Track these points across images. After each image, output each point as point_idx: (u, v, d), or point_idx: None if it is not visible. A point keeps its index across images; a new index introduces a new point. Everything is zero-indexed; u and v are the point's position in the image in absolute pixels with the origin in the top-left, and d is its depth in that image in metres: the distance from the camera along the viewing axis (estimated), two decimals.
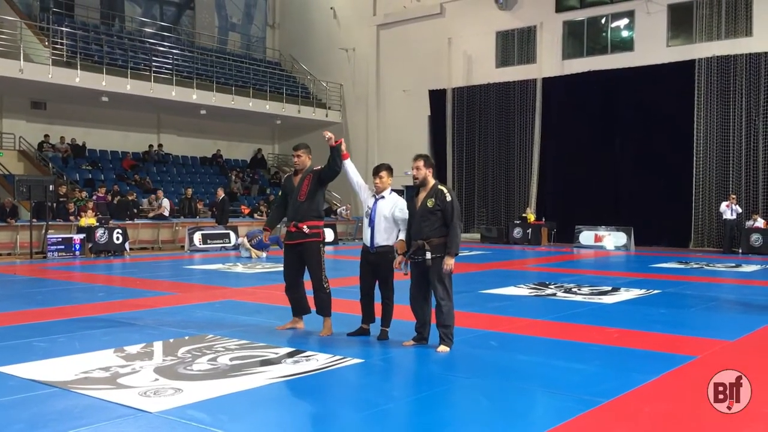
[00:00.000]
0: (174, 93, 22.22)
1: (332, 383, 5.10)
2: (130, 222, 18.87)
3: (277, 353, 5.87)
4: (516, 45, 24.30)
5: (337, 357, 5.69)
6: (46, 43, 20.11)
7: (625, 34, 22.72)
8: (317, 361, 5.59)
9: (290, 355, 5.81)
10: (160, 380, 4.96)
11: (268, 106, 25.19)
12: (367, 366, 5.55)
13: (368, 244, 6.40)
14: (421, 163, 6.10)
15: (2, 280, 12.16)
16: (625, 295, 9.82)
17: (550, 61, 23.28)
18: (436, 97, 25.56)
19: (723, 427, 3.83)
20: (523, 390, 4.86)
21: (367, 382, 5.24)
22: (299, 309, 6.92)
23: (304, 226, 6.57)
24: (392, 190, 6.54)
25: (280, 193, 7.15)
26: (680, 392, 4.82)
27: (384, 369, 5.58)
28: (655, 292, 10.18)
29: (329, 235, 20.70)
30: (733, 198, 18.68)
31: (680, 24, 21.24)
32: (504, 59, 24.54)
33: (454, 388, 4.95)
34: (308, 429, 4.12)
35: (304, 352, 5.90)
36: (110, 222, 17.87)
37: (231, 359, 5.63)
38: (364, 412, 4.40)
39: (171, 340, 6.43)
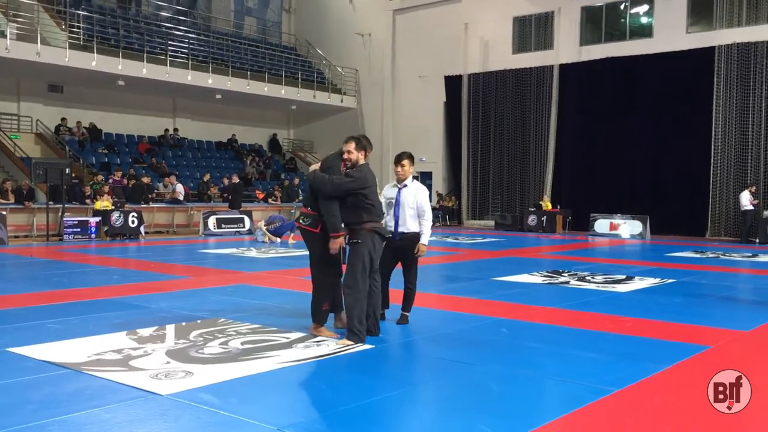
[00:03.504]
0: (190, 77, 22.26)
1: (342, 369, 5.10)
2: (145, 206, 19.00)
3: (288, 338, 5.88)
4: (533, 31, 24.09)
5: (348, 342, 5.69)
6: (63, 27, 20.16)
7: (644, 20, 22.45)
8: (328, 346, 5.59)
9: (301, 340, 5.83)
10: (172, 363, 4.99)
11: (283, 91, 25.19)
12: (377, 352, 5.55)
13: (392, 232, 6.37)
14: (352, 145, 5.73)
15: (19, 262, 12.30)
16: (640, 284, 9.75)
17: (568, 47, 23.06)
18: (452, 83, 25.42)
19: (734, 419, 3.79)
20: (534, 377, 4.84)
21: (377, 368, 5.23)
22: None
23: None
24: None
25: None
26: (693, 382, 4.77)
27: (394, 355, 5.58)
28: (670, 281, 10.11)
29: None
30: (753, 188, 18.47)
31: (700, 10, 20.94)
32: (521, 45, 24.35)
33: (465, 375, 4.94)
34: (317, 414, 4.12)
35: (315, 337, 5.91)
36: (126, 205, 18.00)
37: (242, 343, 5.65)
38: (371, 398, 4.40)
39: (183, 324, 6.47)
